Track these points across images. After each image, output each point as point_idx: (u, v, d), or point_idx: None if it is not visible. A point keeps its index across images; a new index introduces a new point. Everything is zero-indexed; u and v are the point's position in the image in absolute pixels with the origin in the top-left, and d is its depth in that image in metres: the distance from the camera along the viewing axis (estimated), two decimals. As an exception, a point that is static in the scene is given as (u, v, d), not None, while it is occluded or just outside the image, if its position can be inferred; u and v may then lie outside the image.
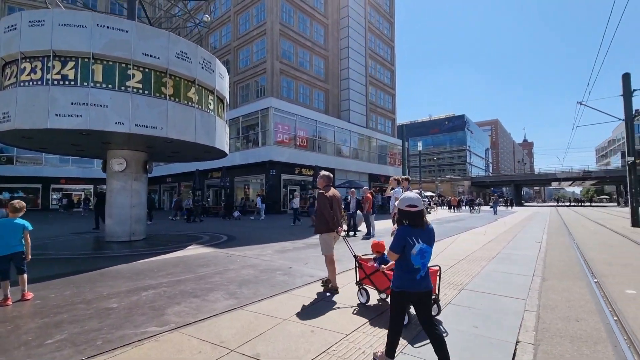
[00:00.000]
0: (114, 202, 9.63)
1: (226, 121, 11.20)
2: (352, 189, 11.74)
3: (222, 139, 10.26)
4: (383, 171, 35.91)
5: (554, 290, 4.77)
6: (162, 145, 9.41)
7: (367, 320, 3.42)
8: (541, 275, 5.61)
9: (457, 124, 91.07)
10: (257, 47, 26.55)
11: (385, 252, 4.22)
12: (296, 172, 25.89)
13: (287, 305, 3.92)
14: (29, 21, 7.46)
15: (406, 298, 2.48)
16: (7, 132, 7.63)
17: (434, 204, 34.42)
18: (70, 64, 7.45)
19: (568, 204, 77.89)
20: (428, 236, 2.46)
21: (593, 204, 71.40)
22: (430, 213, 25.96)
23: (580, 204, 72.68)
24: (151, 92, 8.11)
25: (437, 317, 3.45)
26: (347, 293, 4.36)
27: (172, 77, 8.46)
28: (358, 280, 4.12)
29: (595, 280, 5.34)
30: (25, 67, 7.54)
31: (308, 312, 3.67)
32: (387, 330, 2.53)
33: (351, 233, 11.22)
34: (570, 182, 71.67)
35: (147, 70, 8.05)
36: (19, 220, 4.01)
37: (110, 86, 7.64)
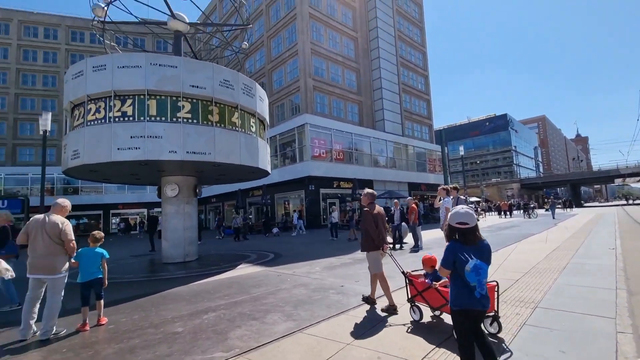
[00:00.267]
0: (168, 226, 10.23)
1: (267, 140, 11.55)
2: (396, 200, 11.42)
3: (264, 159, 10.59)
4: (423, 179, 34.78)
5: (647, 307, 4.18)
6: (210, 169, 9.89)
7: (434, 345, 3.21)
8: (626, 288, 4.97)
9: (499, 124, 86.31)
10: (290, 68, 27.43)
11: (433, 266, 4.03)
12: (334, 186, 25.92)
13: (346, 327, 3.82)
14: (93, 67, 8.35)
15: (468, 317, 2.34)
16: (76, 167, 8.49)
17: (482, 210, 32.49)
18: (129, 101, 8.17)
19: None
20: (482, 253, 2.33)
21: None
22: (479, 220, 24.52)
23: (653, 201, 64.60)
24: (199, 121, 8.62)
25: (498, 335, 3.26)
26: (399, 310, 4.24)
27: (217, 105, 8.95)
28: (409, 297, 3.98)
29: (698, 293, 4.62)
30: (90, 108, 8.40)
31: (369, 335, 3.54)
32: (458, 358, 2.39)
33: (397, 246, 10.87)
34: (638, 179, 64.20)
35: (195, 100, 8.60)
36: (98, 249, 4.37)
37: (163, 118, 8.24)
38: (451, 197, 7.19)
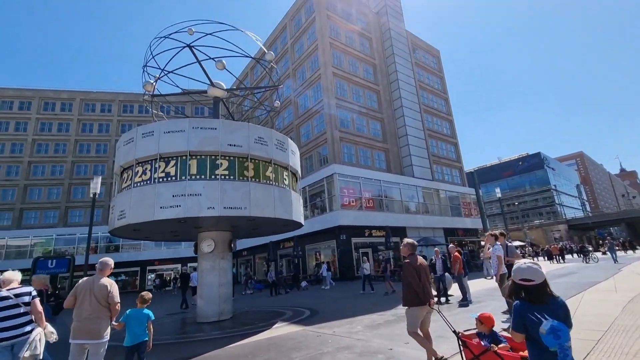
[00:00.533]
0: (204, 282, 10.17)
1: (299, 192, 11.69)
2: (436, 248, 10.77)
3: (297, 211, 10.63)
4: (459, 224, 33.14)
5: None
6: (245, 224, 10.02)
7: None
8: None
9: (533, 162, 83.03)
10: (316, 122, 28.76)
11: (492, 326, 3.57)
12: (366, 234, 25.24)
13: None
14: (142, 133, 9.16)
15: None
16: (121, 227, 8.91)
17: (529, 255, 29.86)
18: (172, 162, 8.74)
19: None
20: (556, 312, 2.01)
21: None
22: (527, 267, 22.36)
23: None
24: (235, 177, 8.97)
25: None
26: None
27: (253, 161, 9.34)
28: None
29: None
30: (138, 170, 9.04)
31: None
32: None
33: (442, 299, 10.00)
34: None
35: (232, 158, 9.05)
36: (146, 311, 4.32)
37: (202, 176, 8.67)
38: (499, 243, 6.67)
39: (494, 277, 6.29)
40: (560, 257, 28.04)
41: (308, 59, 31.03)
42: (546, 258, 30.78)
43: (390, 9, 36.33)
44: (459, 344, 3.62)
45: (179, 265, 39.50)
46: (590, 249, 25.79)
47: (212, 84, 11.79)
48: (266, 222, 10.04)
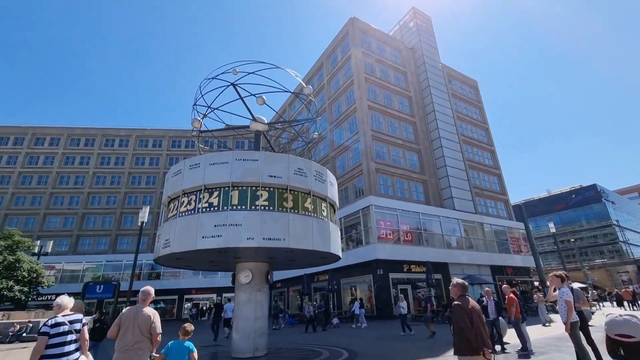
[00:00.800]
0: (240, 315, 10.01)
1: (337, 223, 11.48)
2: (487, 288, 9.79)
3: (336, 243, 10.37)
4: (508, 261, 30.49)
5: None
6: (283, 255, 9.91)
7: None
8: None
9: (588, 195, 75.84)
10: (352, 153, 28.92)
11: None
12: (404, 270, 23.92)
13: None
14: (189, 165, 9.67)
15: None
16: (166, 255, 9.19)
17: (593, 300, 26.36)
18: (215, 193, 9.05)
19: None
20: None
21: None
22: (593, 313, 19.66)
23: None
24: (275, 207, 9.04)
25: None
26: None
27: (292, 192, 9.41)
28: None
29: None
30: (184, 201, 9.44)
31: None
32: None
33: (497, 347, 8.90)
34: None
35: (272, 189, 9.20)
36: (187, 343, 4.25)
37: (243, 207, 8.84)
38: (566, 286, 5.90)
39: (565, 325, 5.50)
40: (631, 304, 24.49)
41: (344, 93, 31.96)
42: (616, 304, 27.02)
43: (425, 44, 36.94)
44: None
45: (214, 295, 39.82)
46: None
47: (254, 119, 12.37)
48: (304, 253, 9.87)
